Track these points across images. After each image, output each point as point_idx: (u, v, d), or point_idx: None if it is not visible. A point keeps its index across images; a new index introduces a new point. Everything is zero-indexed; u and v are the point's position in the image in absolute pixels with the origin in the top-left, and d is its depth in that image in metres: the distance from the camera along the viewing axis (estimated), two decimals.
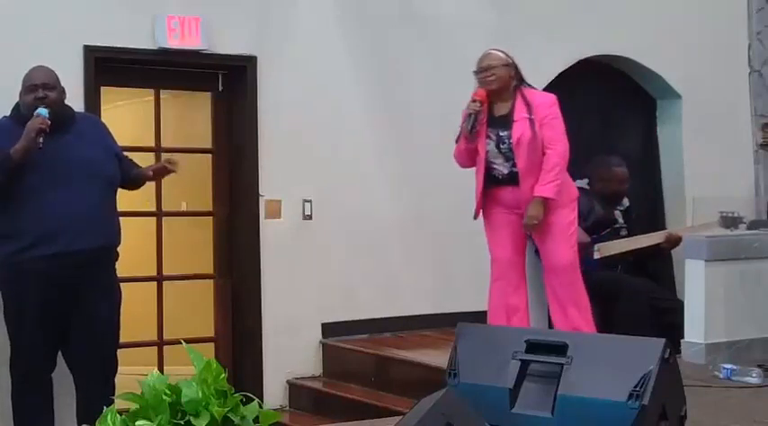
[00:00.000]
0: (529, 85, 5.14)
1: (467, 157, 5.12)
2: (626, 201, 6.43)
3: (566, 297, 5.04)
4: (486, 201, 5.11)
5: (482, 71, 5.04)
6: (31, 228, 4.52)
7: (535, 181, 4.93)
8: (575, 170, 6.36)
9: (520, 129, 4.94)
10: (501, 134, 5.00)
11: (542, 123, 4.94)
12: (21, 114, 4.70)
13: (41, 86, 4.67)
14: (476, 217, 5.15)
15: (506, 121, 5.01)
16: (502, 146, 5.00)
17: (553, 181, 4.93)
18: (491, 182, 5.08)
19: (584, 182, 6.32)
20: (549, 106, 5.02)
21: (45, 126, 4.48)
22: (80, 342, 4.70)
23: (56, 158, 4.58)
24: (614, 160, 6.42)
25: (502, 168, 5.03)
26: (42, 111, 4.52)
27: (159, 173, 5.06)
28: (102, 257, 4.73)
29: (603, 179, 6.32)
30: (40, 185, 4.54)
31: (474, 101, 4.99)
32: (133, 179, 4.97)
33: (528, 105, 4.96)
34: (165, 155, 5.47)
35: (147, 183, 5.26)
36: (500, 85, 5.02)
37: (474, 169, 5.13)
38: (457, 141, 5.10)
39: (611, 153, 6.64)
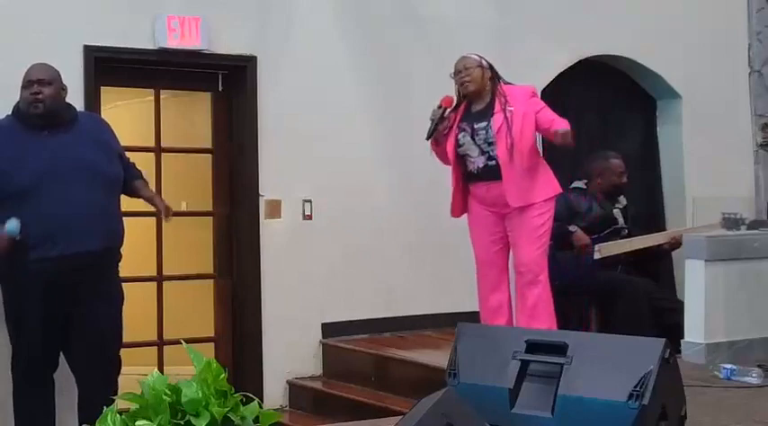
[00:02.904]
0: (506, 82, 5.24)
1: (440, 155, 5.24)
2: (623, 199, 6.42)
3: (525, 296, 5.07)
4: (469, 197, 5.22)
5: (458, 73, 5.19)
6: (32, 230, 4.47)
7: (515, 175, 4.97)
8: (575, 170, 6.40)
9: (499, 121, 5.04)
10: (476, 126, 5.10)
11: (526, 116, 5.01)
12: (20, 112, 4.69)
13: (36, 82, 4.64)
14: (452, 214, 5.27)
15: (483, 115, 5.11)
16: (476, 138, 5.08)
17: (565, 120, 4.99)
18: (469, 177, 5.17)
19: (581, 183, 6.32)
20: (529, 97, 5.14)
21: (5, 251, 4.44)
22: (82, 344, 4.68)
23: (56, 158, 4.56)
24: (610, 153, 6.42)
25: (477, 161, 5.10)
26: (12, 227, 4.44)
27: (154, 205, 5.04)
28: (105, 259, 4.70)
29: (601, 173, 6.32)
30: (40, 185, 4.50)
31: (439, 107, 5.13)
32: (132, 190, 4.95)
33: (504, 99, 5.08)
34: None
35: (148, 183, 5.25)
36: (476, 86, 5.15)
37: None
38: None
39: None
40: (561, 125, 4.97)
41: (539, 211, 5.05)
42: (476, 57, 5.22)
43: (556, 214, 5.20)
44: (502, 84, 5.20)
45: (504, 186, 5.00)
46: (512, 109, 5.03)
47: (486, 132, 5.06)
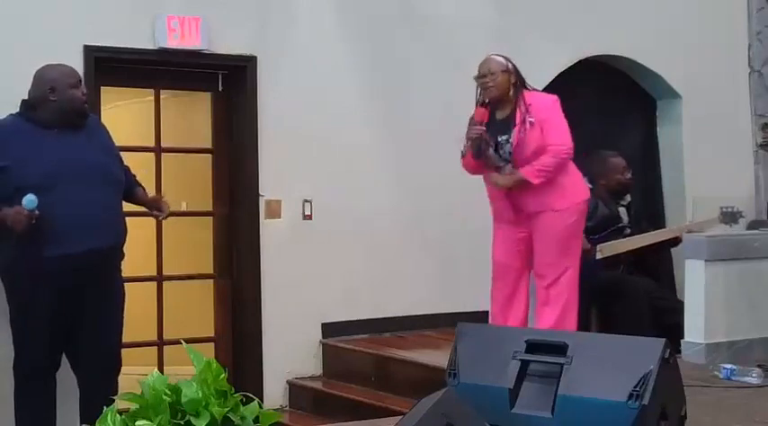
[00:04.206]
0: (531, 88, 5.10)
1: (475, 168, 5.10)
2: (628, 197, 6.42)
3: (544, 300, 5.03)
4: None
5: (482, 77, 5.02)
6: (40, 228, 4.47)
7: (534, 186, 4.89)
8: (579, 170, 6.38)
9: (519, 135, 4.91)
10: (499, 139, 4.98)
11: (542, 126, 4.89)
12: (60, 108, 4.61)
13: (81, 83, 4.71)
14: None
15: (506, 125, 4.98)
16: (500, 151, 4.99)
17: (541, 169, 4.87)
18: None
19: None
20: (547, 108, 4.97)
21: (24, 226, 4.40)
22: (84, 343, 4.68)
23: (64, 157, 4.55)
24: (607, 153, 6.41)
25: (504, 169, 5.00)
26: (30, 202, 4.38)
27: (153, 205, 5.09)
28: (110, 257, 4.72)
29: (604, 174, 6.31)
30: (48, 184, 4.48)
31: (476, 124, 4.95)
32: (129, 197, 4.96)
33: (527, 108, 4.92)
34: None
35: (148, 183, 5.23)
36: (500, 91, 4.98)
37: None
38: (463, 155, 5.05)
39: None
40: (528, 171, 4.85)
41: (563, 215, 4.97)
42: (502, 60, 5.02)
43: None
44: (526, 90, 5.03)
45: (522, 195, 4.93)
46: (532, 120, 4.88)
47: (508, 145, 4.94)
